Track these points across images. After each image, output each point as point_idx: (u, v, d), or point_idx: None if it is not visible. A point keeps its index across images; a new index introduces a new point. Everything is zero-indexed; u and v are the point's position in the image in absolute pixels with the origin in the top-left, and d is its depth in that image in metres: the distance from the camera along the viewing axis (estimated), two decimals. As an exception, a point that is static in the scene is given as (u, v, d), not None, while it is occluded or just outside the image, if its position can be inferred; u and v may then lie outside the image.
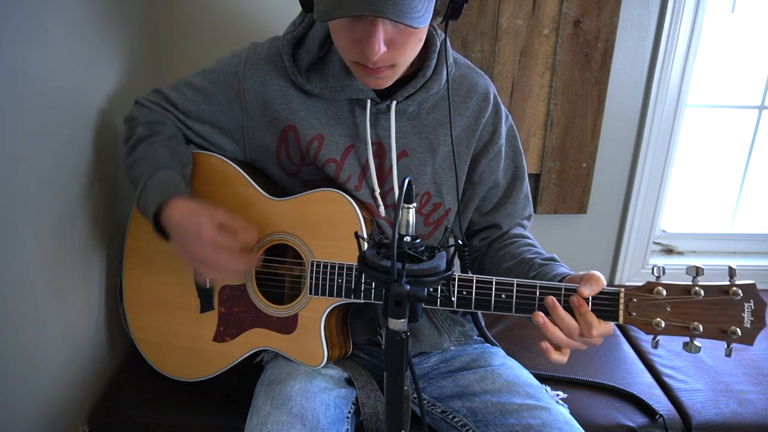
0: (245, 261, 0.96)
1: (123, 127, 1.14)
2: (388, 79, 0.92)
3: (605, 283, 0.85)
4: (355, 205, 1.00)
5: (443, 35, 1.04)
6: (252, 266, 1.01)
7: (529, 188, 1.17)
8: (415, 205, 0.66)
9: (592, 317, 0.83)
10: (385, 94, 1.02)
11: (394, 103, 1.01)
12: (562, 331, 0.84)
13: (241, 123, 1.07)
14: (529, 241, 1.10)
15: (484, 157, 1.09)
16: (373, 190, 1.06)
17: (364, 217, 1.00)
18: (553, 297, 0.85)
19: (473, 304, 0.91)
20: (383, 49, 0.83)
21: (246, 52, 1.06)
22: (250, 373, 1.15)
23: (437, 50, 1.02)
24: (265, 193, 1.07)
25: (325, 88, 1.01)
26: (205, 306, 1.11)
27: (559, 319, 0.84)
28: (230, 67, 1.06)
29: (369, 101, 1.01)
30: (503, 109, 1.11)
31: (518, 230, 1.14)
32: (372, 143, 1.04)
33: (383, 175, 1.06)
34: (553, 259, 1.01)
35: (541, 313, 0.85)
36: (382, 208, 1.07)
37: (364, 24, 0.83)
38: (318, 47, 1.01)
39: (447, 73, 1.02)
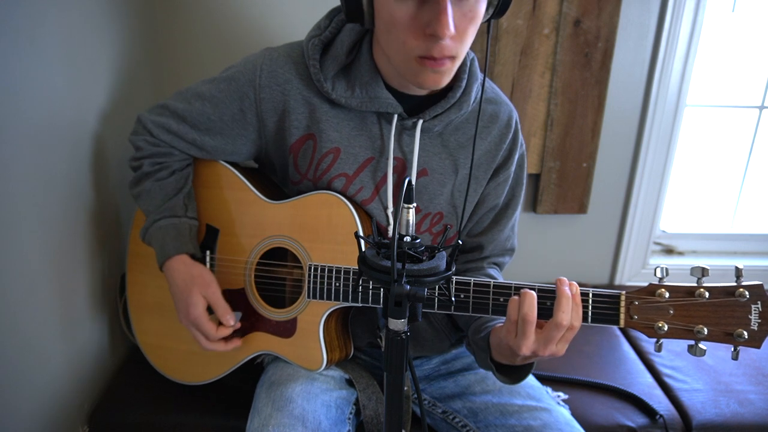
0: (220, 347, 1.05)
1: (129, 147, 1.13)
2: (447, 75, 0.88)
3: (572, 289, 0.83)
4: (352, 207, 0.99)
5: (473, 55, 1.02)
6: (227, 349, 1.06)
7: (517, 221, 1.14)
8: (414, 204, 0.66)
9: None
10: (412, 111, 1.00)
11: (421, 121, 0.99)
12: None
13: (257, 128, 1.04)
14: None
15: (493, 180, 1.07)
16: (385, 208, 1.04)
17: (361, 220, 0.99)
18: (575, 283, 0.83)
19: (471, 308, 0.90)
20: (453, 27, 0.81)
21: (261, 58, 1.01)
22: (250, 373, 1.15)
23: (467, 71, 1.00)
24: (263, 197, 1.06)
25: (351, 98, 0.97)
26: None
27: (576, 305, 0.81)
28: (244, 75, 1.01)
29: (396, 116, 0.99)
30: (521, 137, 1.10)
31: (494, 271, 1.11)
32: (393, 158, 1.01)
33: (398, 193, 1.04)
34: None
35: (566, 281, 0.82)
36: (391, 228, 1.04)
37: (431, 6, 0.80)
38: (346, 53, 0.97)
39: (482, 94, 1.00)
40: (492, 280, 0.90)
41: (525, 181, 1.13)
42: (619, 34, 1.55)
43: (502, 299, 0.89)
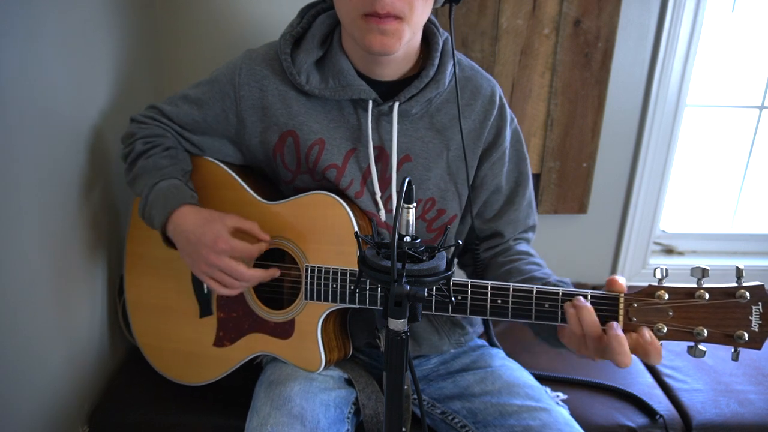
0: (259, 273, 0.97)
1: (120, 146, 1.12)
2: (395, 38, 0.88)
3: (625, 287, 0.83)
4: (347, 208, 0.98)
5: (445, 35, 1.03)
6: (270, 278, 1.00)
7: (533, 196, 1.14)
8: (414, 205, 0.66)
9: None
10: (387, 96, 1.00)
11: (397, 104, 0.99)
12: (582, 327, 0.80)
13: (238, 130, 1.06)
14: (537, 260, 1.07)
15: (486, 161, 1.07)
16: (373, 194, 1.04)
17: (357, 221, 0.99)
18: (581, 297, 0.82)
19: (468, 310, 0.90)
20: None
21: (241, 59, 1.04)
22: (249, 373, 1.15)
23: (440, 49, 1.00)
24: (259, 197, 1.06)
25: (325, 89, 0.99)
26: (204, 311, 1.11)
27: (588, 313, 0.80)
28: (225, 76, 1.04)
29: (371, 102, 0.99)
30: (509, 111, 1.09)
31: (524, 247, 1.11)
32: (374, 147, 1.01)
33: (385, 180, 1.04)
34: (565, 283, 0.95)
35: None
36: (383, 213, 1.04)
37: None
38: (318, 46, 0.99)
39: (453, 62, 1.00)
40: (511, 284, 0.87)
41: (527, 155, 1.12)
42: (619, 34, 1.55)
43: (499, 301, 0.87)
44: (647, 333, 0.79)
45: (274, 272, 1.00)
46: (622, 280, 0.82)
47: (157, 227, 0.99)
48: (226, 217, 0.96)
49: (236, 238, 0.95)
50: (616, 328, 0.78)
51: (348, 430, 1.01)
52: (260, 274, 0.97)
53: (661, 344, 0.81)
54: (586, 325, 0.80)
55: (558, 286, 0.93)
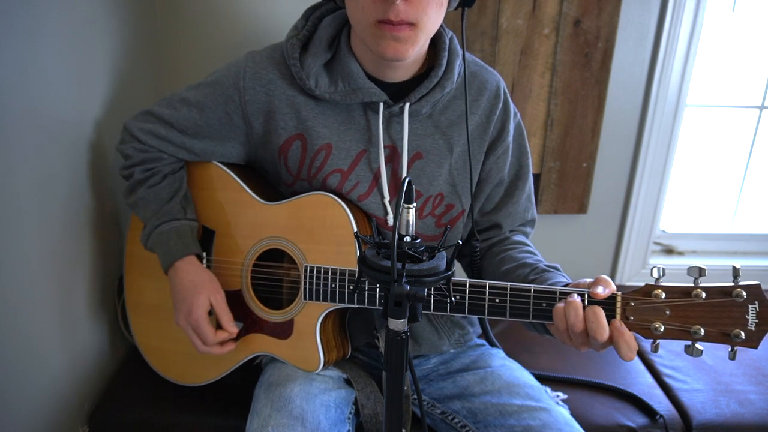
0: (215, 350, 1.04)
1: (117, 155, 1.13)
2: (409, 44, 0.88)
3: (614, 286, 0.83)
4: (346, 208, 0.98)
5: (450, 33, 1.03)
6: (222, 353, 1.06)
7: (533, 190, 1.15)
8: (415, 205, 0.66)
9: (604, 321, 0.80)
10: (397, 97, 1.00)
11: (407, 105, 0.99)
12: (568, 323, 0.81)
13: (244, 131, 1.05)
14: (531, 249, 1.08)
15: (492, 155, 1.07)
16: (383, 197, 1.04)
17: (357, 220, 0.99)
18: (575, 295, 0.82)
19: (467, 309, 0.90)
20: None
21: (244, 62, 1.03)
22: (249, 373, 1.15)
23: (447, 48, 1.00)
24: (259, 198, 1.06)
25: (335, 92, 0.98)
26: None
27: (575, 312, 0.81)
28: (228, 79, 1.02)
29: (381, 104, 0.99)
30: (512, 105, 1.09)
31: (520, 237, 1.12)
32: (385, 147, 1.01)
33: (396, 180, 1.04)
34: (556, 268, 0.98)
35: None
36: (390, 216, 1.04)
37: None
38: (325, 48, 0.99)
39: (464, 64, 1.00)
40: (509, 284, 0.87)
41: (529, 149, 1.13)
42: (619, 34, 1.55)
43: (497, 300, 0.87)
44: (617, 321, 0.80)
45: (230, 347, 1.06)
46: (600, 290, 0.81)
47: (162, 266, 1.06)
48: (217, 293, 1.04)
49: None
50: (598, 310, 0.80)
51: (349, 430, 1.01)
52: (212, 353, 1.04)
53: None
54: (570, 320, 0.80)
55: (548, 271, 0.96)
